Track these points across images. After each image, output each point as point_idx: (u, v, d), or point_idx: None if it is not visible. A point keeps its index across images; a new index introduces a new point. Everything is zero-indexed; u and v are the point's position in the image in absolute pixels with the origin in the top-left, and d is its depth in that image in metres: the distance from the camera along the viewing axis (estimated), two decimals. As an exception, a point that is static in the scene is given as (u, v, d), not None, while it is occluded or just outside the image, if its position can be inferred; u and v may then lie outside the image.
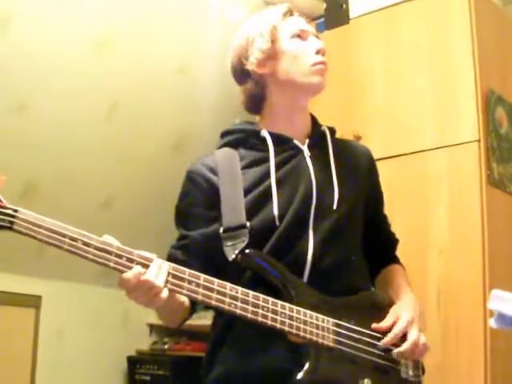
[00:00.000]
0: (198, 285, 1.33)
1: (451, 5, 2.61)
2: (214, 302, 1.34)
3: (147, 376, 3.72)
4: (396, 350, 1.49)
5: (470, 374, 2.26)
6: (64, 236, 1.25)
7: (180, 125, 3.52)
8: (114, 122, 3.25)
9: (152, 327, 4.00)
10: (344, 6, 2.99)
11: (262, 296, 1.38)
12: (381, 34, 2.82)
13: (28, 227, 1.23)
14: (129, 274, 1.27)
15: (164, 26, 3.19)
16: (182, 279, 1.32)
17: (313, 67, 1.57)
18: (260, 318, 1.37)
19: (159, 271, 1.29)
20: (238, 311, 1.36)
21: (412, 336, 1.49)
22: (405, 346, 1.48)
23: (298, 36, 1.59)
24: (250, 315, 1.36)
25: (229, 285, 1.37)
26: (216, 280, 1.36)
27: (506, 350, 2.31)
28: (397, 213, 2.51)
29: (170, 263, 1.33)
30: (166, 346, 3.87)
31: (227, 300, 1.35)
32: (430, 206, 2.51)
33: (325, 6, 3.08)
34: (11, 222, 1.22)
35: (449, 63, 2.58)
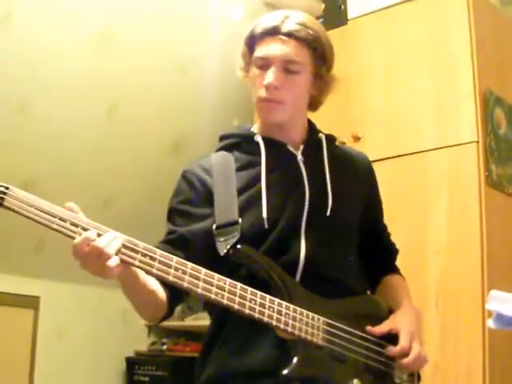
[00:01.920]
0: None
1: (449, 6, 2.61)
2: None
3: (146, 377, 3.71)
4: (400, 361, 1.49)
5: (469, 374, 2.26)
6: (54, 216, 1.26)
7: (179, 125, 3.52)
8: (114, 121, 3.26)
9: (150, 328, 4.00)
10: (342, 6, 2.99)
11: (250, 289, 1.38)
12: (379, 35, 2.82)
13: (18, 205, 1.24)
14: (78, 240, 1.26)
15: (165, 25, 3.19)
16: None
17: (258, 102, 1.56)
18: (247, 310, 1.36)
19: (112, 240, 1.28)
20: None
21: (415, 349, 1.50)
22: (409, 359, 1.49)
23: (260, 65, 1.55)
24: (236, 306, 1.36)
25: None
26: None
27: (505, 350, 2.32)
28: (396, 213, 2.51)
29: (124, 235, 1.31)
30: (165, 347, 3.87)
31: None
32: (428, 206, 2.51)
33: (323, 6, 3.09)
34: (1, 199, 1.23)
35: (447, 64, 2.58)
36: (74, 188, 3.27)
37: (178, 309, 3.99)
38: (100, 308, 3.67)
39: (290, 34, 1.52)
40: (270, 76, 1.51)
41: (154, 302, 1.46)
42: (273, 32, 1.53)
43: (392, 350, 1.50)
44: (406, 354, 1.50)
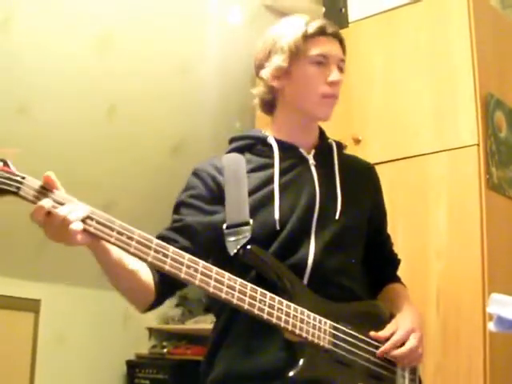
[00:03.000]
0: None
1: (450, 9, 2.61)
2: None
3: (146, 380, 3.71)
4: (393, 352, 1.50)
5: (470, 375, 2.26)
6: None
7: (180, 126, 3.52)
8: (114, 123, 3.26)
9: (151, 331, 4.00)
10: (343, 9, 2.99)
11: (260, 289, 1.39)
12: (380, 38, 2.82)
13: (33, 194, 1.26)
14: (37, 205, 1.25)
15: (164, 27, 3.19)
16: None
17: (321, 99, 1.58)
18: (256, 311, 1.37)
19: (76, 208, 1.28)
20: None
21: (410, 343, 1.51)
22: (402, 350, 1.50)
23: (318, 62, 1.57)
24: (246, 306, 1.36)
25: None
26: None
27: (505, 352, 2.31)
28: (397, 216, 2.50)
29: (92, 208, 1.31)
30: (166, 350, 3.86)
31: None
32: (429, 209, 2.51)
33: (324, 9, 3.09)
34: (18, 188, 1.25)
35: (448, 67, 2.58)
36: (74, 189, 3.24)
37: (179, 312, 3.99)
38: (101, 311, 3.66)
39: (336, 35, 1.61)
40: (337, 73, 1.58)
41: (136, 282, 1.43)
42: (324, 32, 1.59)
43: (382, 348, 1.51)
44: (396, 347, 1.51)
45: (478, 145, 2.43)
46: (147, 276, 1.43)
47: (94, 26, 2.99)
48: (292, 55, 1.57)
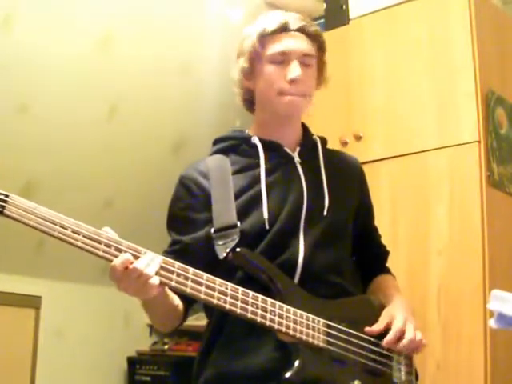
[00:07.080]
0: (186, 278, 1.34)
1: (451, 5, 2.61)
2: (202, 296, 1.35)
3: (147, 377, 3.71)
4: (399, 344, 1.50)
5: (470, 373, 2.26)
6: (54, 223, 1.26)
7: (181, 126, 3.52)
8: (115, 122, 3.25)
9: (152, 328, 4.00)
10: (344, 6, 2.99)
11: (251, 293, 1.39)
12: (381, 35, 2.82)
13: (19, 212, 1.25)
14: (116, 261, 1.27)
15: (165, 26, 3.19)
16: (171, 272, 1.33)
17: (279, 96, 1.57)
18: (249, 315, 1.37)
19: (151, 262, 1.30)
20: (228, 306, 1.36)
21: (409, 333, 1.51)
22: (403, 342, 1.50)
23: (278, 61, 1.56)
24: (239, 310, 1.37)
25: (218, 280, 1.38)
26: (205, 274, 1.37)
27: (506, 350, 2.31)
28: (397, 213, 2.51)
29: (161, 256, 1.34)
30: (167, 347, 3.86)
31: (216, 294, 1.36)
32: (430, 206, 2.51)
33: (325, 6, 3.08)
34: (2, 207, 1.24)
35: (449, 64, 2.58)
36: (75, 189, 3.27)
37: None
38: (101, 307, 3.66)
39: (301, 30, 1.57)
40: (298, 70, 1.54)
41: (175, 315, 1.51)
42: (285, 28, 1.56)
43: (387, 338, 1.51)
44: (400, 337, 1.51)
45: (479, 141, 2.43)
46: (181, 306, 1.51)
47: (95, 26, 2.98)
48: (251, 56, 1.59)
